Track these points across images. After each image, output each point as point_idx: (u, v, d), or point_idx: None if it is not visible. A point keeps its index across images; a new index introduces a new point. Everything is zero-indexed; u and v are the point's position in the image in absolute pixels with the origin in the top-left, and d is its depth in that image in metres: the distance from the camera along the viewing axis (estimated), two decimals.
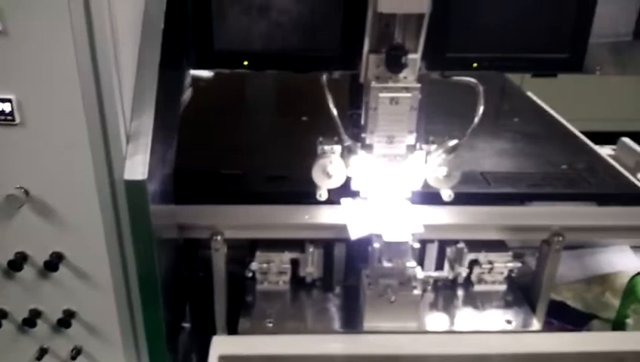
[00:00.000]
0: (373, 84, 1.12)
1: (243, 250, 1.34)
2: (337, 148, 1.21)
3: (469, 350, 1.17)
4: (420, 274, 1.21)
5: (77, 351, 1.13)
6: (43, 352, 1.12)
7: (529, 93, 2.30)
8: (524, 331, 1.26)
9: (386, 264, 1.15)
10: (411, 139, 1.18)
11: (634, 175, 1.69)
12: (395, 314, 1.21)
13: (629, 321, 1.37)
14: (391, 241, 1.14)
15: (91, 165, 0.97)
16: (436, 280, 1.35)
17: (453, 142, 1.19)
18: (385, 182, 1.21)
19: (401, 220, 1.18)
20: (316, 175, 1.22)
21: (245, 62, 1.16)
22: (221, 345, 1.17)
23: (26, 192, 0.98)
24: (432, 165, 1.22)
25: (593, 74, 1.32)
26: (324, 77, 1.16)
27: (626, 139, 1.85)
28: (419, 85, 1.14)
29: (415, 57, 1.12)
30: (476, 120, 1.17)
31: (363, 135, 1.18)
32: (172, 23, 1.06)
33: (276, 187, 1.40)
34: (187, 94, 1.51)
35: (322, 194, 1.23)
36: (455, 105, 2.05)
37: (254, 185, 1.40)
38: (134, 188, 0.95)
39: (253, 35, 1.13)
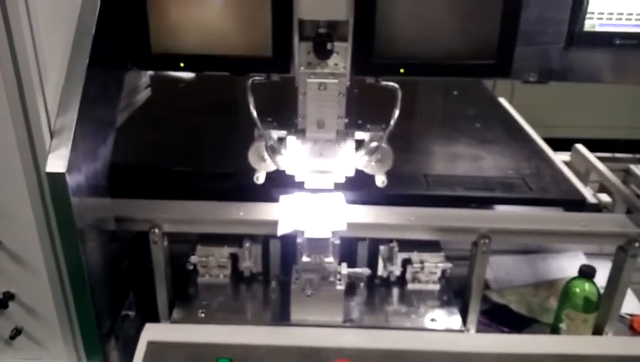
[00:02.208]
0: (302, 69, 1.17)
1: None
2: (274, 131, 1.26)
3: (384, 345, 1.21)
4: (345, 270, 1.26)
5: (17, 331, 1.21)
6: None
7: (501, 99, 2.31)
8: (444, 330, 1.29)
9: (305, 259, 1.19)
10: (341, 123, 1.22)
11: (583, 180, 1.70)
12: (319, 308, 1.26)
13: (562, 326, 1.39)
14: (311, 237, 1.19)
15: (19, 159, 1.05)
16: (373, 278, 1.40)
17: (373, 144, 1.23)
18: (317, 167, 1.26)
19: (325, 217, 1.23)
20: (252, 158, 1.28)
21: (181, 64, 1.23)
22: (151, 331, 1.24)
23: None
24: (363, 152, 1.26)
25: (527, 80, 1.35)
26: (249, 81, 1.21)
27: (580, 146, 1.86)
28: (346, 72, 1.18)
29: (345, 45, 1.16)
30: (392, 122, 1.21)
31: (296, 121, 1.23)
32: (107, 27, 1.13)
33: (223, 184, 1.46)
34: (144, 94, 1.58)
35: (260, 177, 1.29)
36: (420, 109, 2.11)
37: (201, 182, 1.47)
38: (55, 180, 1.03)
39: (189, 38, 1.19)
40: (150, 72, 1.66)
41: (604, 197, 1.59)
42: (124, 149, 1.31)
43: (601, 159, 1.78)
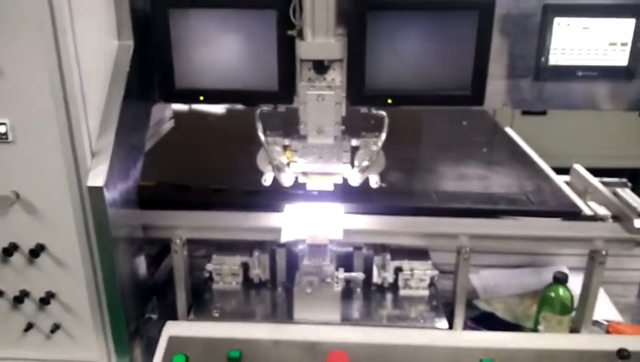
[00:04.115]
0: (303, 83, 1.36)
1: None
2: (281, 140, 1.45)
3: (375, 340, 1.37)
4: (341, 274, 1.43)
5: (56, 327, 1.41)
6: (29, 326, 1.40)
7: (507, 129, 2.52)
8: (427, 327, 1.45)
9: (306, 263, 1.37)
10: (338, 130, 1.40)
11: (582, 197, 1.86)
12: (319, 308, 1.43)
13: (540, 327, 1.53)
14: (311, 244, 1.37)
15: (65, 175, 1.26)
16: (369, 284, 1.57)
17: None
18: (317, 169, 1.44)
19: (324, 226, 1.42)
20: (261, 162, 1.46)
21: (201, 98, 1.44)
22: (171, 327, 1.43)
23: (17, 194, 1.28)
24: (358, 158, 1.44)
25: (500, 107, 1.54)
26: (258, 110, 1.41)
27: (578, 166, 2.02)
28: (341, 85, 1.36)
29: (340, 63, 1.35)
30: (380, 144, 1.40)
31: (298, 127, 1.41)
32: (139, 67, 1.35)
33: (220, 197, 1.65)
34: (168, 125, 1.80)
35: (267, 179, 1.47)
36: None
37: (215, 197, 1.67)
38: (95, 192, 1.23)
39: (207, 75, 1.41)
40: (174, 105, 1.89)
41: (601, 210, 1.72)
42: (152, 170, 1.52)
43: None
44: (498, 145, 2.32)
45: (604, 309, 1.72)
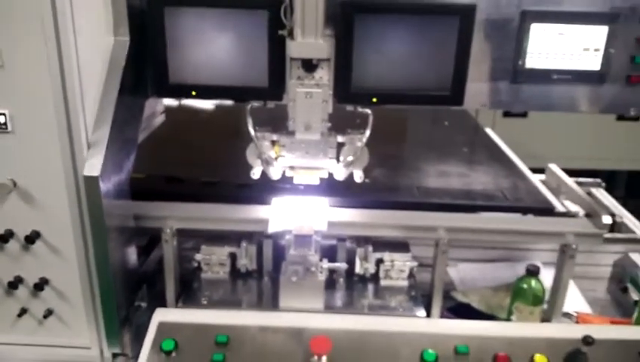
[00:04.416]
0: (292, 81, 1.42)
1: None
2: (269, 135, 1.51)
3: (357, 327, 1.45)
4: (325, 264, 1.50)
5: (49, 312, 1.45)
6: (23, 311, 1.45)
7: (487, 130, 2.61)
8: (406, 315, 1.53)
9: (292, 252, 1.44)
10: (324, 127, 1.46)
11: (556, 195, 1.95)
12: (303, 296, 1.50)
13: (513, 317, 1.61)
14: (297, 234, 1.43)
15: (61, 165, 1.31)
16: (352, 275, 1.64)
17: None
18: (304, 164, 1.50)
19: (309, 218, 1.48)
20: (250, 156, 1.52)
21: (193, 93, 1.49)
22: (161, 314, 1.48)
23: (14, 183, 1.32)
24: (343, 154, 1.51)
25: (480, 108, 1.61)
26: (249, 106, 1.47)
27: (553, 166, 2.11)
28: (328, 83, 1.42)
29: (327, 63, 1.41)
30: (364, 140, 1.47)
31: (287, 123, 1.46)
32: (134, 63, 1.40)
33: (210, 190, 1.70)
34: (159, 119, 1.85)
35: (256, 173, 1.53)
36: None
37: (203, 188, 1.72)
38: (90, 182, 1.28)
39: (200, 72, 1.46)
40: (166, 100, 1.93)
41: (573, 207, 1.80)
42: (143, 162, 1.57)
43: None
44: (478, 145, 2.41)
45: (574, 302, 1.82)
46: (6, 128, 1.27)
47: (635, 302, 1.73)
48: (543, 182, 2.06)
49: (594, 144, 3.90)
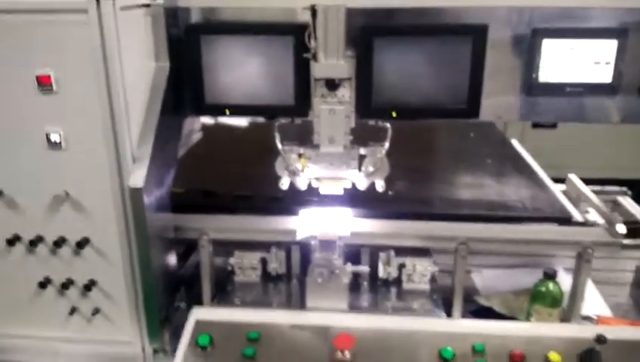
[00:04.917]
0: (316, 99, 1.54)
1: None
2: (296, 148, 1.62)
3: (379, 325, 1.55)
4: (349, 267, 1.60)
5: (96, 311, 1.60)
6: (73, 310, 1.60)
7: (513, 141, 2.67)
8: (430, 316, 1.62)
9: (318, 256, 1.55)
10: (347, 140, 1.57)
11: (576, 205, 2.00)
12: (328, 297, 1.60)
13: (532, 319, 1.68)
14: (322, 239, 1.55)
15: (109, 178, 1.46)
16: (375, 279, 1.73)
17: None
18: (329, 175, 1.62)
19: (334, 226, 1.59)
20: (279, 168, 1.65)
21: (227, 111, 1.63)
22: (198, 312, 1.61)
23: (67, 194, 1.48)
24: (364, 165, 1.62)
25: (497, 120, 1.70)
26: (277, 123, 1.60)
27: (573, 176, 2.16)
28: (350, 100, 1.54)
29: (349, 81, 1.52)
30: (383, 151, 1.58)
31: (312, 137, 1.58)
32: (173, 85, 1.55)
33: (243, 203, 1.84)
34: (196, 136, 2.00)
35: (284, 183, 1.65)
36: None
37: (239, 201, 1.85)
38: (134, 193, 1.43)
39: (233, 92, 1.59)
40: (203, 118, 2.09)
41: (592, 216, 1.86)
42: (182, 176, 1.71)
43: (595, 192, 2.05)
44: (502, 157, 2.46)
45: (596, 306, 1.86)
46: (60, 146, 1.43)
47: None
48: (564, 192, 2.11)
49: (625, 153, 3.91)
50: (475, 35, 1.49)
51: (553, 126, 3.76)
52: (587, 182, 2.13)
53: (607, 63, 1.57)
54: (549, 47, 1.56)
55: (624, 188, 2.30)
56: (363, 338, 1.50)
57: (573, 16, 1.54)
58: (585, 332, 1.52)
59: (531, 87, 1.61)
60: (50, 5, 1.33)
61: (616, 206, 2.23)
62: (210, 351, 1.52)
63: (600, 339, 1.42)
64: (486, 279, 2.02)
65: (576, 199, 2.05)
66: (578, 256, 1.64)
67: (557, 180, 2.20)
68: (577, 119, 1.67)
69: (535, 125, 3.72)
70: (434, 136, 2.59)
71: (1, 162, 1.47)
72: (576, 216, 1.84)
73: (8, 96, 1.40)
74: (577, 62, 1.57)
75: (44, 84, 1.37)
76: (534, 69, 1.59)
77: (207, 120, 2.17)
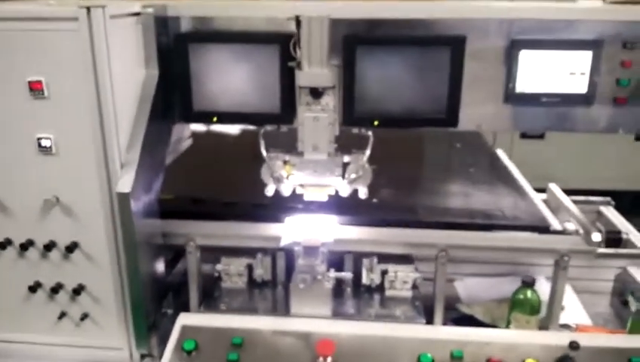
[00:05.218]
0: (301, 107, 1.58)
1: None
2: (282, 155, 1.66)
3: (361, 332, 1.58)
4: (332, 273, 1.63)
5: (85, 316, 1.63)
6: (62, 314, 1.62)
7: (498, 151, 2.72)
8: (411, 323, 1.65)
9: (301, 262, 1.58)
10: (331, 147, 1.61)
11: (555, 214, 2.04)
12: (312, 303, 1.63)
13: (511, 326, 1.71)
14: (305, 246, 1.58)
15: (98, 183, 1.49)
16: (358, 285, 1.77)
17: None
18: (312, 181, 1.65)
19: (317, 232, 1.63)
20: (264, 175, 1.68)
21: (215, 119, 1.67)
22: (184, 317, 1.64)
23: (57, 199, 1.51)
24: (347, 172, 1.65)
25: (477, 129, 1.74)
26: (262, 130, 1.64)
27: (553, 186, 2.20)
28: (334, 108, 1.57)
29: (333, 90, 1.56)
30: (364, 158, 1.62)
31: (297, 145, 1.62)
32: (162, 93, 1.59)
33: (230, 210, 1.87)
34: (186, 143, 2.04)
35: (269, 190, 1.68)
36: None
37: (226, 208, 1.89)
38: (122, 198, 1.46)
39: (221, 100, 1.64)
40: (193, 125, 2.13)
41: (570, 225, 1.88)
42: (171, 183, 1.75)
43: (579, 202, 2.10)
44: (485, 166, 2.50)
45: (576, 315, 1.89)
46: (51, 151, 1.47)
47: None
48: (545, 201, 2.16)
49: (611, 165, 3.97)
50: (454, 45, 1.54)
51: (541, 137, 3.82)
52: (573, 192, 2.18)
53: (583, 74, 1.62)
54: (526, 57, 1.61)
55: (608, 199, 2.34)
56: (344, 344, 1.53)
57: (550, 29, 1.59)
58: (561, 339, 1.55)
59: (509, 97, 1.66)
60: (42, 13, 1.38)
61: (599, 216, 2.27)
62: (195, 355, 1.54)
63: (573, 346, 1.46)
64: (468, 287, 2.06)
65: (556, 208, 2.09)
66: (555, 263, 1.68)
67: (543, 190, 2.24)
68: (555, 128, 1.72)
69: (523, 136, 3.78)
70: (421, 145, 2.62)
71: None
72: (555, 224, 1.88)
73: (0, 101, 1.44)
74: (553, 72, 1.63)
75: (35, 90, 1.41)
76: (511, 79, 1.64)
77: (197, 127, 2.21)
